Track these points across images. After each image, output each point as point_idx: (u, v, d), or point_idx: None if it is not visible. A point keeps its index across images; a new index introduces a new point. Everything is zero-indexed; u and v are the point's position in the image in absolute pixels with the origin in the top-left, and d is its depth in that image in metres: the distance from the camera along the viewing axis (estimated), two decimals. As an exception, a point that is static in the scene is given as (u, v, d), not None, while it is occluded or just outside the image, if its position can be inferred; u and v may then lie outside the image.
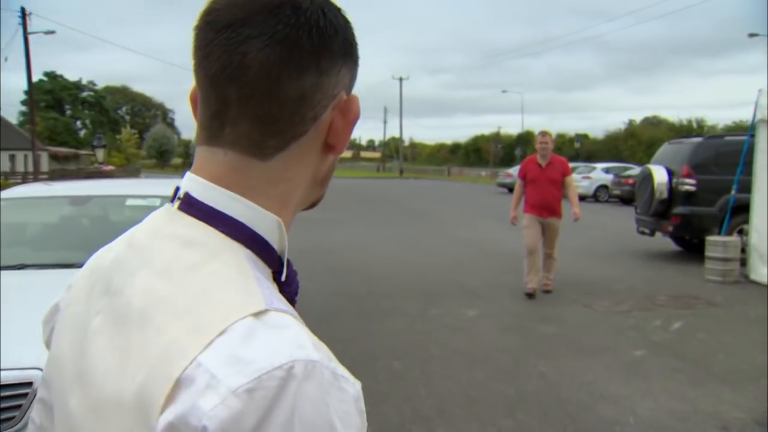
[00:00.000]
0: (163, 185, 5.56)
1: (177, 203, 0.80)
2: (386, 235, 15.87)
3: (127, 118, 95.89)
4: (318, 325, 7.17)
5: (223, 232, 0.76)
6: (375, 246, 13.78)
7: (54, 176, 31.10)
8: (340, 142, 0.82)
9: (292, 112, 0.77)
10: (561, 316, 7.56)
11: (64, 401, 0.80)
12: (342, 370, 0.67)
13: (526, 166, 8.67)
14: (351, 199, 30.17)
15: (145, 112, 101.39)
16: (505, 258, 11.51)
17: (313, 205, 0.91)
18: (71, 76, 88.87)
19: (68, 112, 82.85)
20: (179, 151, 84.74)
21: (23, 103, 67.60)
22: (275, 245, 0.79)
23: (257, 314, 0.67)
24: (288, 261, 0.82)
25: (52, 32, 35.00)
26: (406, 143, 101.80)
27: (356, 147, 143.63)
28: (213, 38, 0.75)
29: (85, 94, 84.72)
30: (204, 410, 0.61)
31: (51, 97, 79.16)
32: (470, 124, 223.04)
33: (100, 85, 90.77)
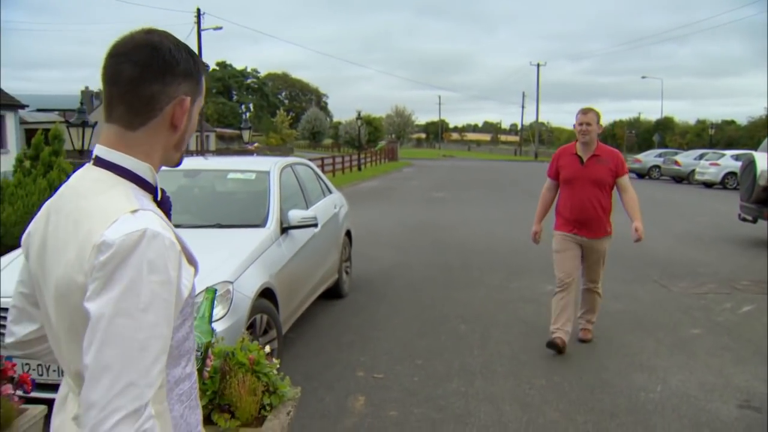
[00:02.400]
0: (260, 163, 6.19)
1: (92, 162, 1.34)
2: (497, 213, 16.00)
3: (286, 102, 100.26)
4: (404, 290, 7.68)
5: (117, 174, 1.31)
6: (483, 223, 13.99)
7: (217, 153, 33.82)
8: (180, 123, 1.35)
9: (145, 104, 1.30)
10: (634, 294, 7.53)
11: (44, 279, 1.35)
12: (173, 242, 1.23)
13: (559, 159, 5.59)
14: (478, 180, 30.28)
15: (302, 96, 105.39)
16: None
17: (176, 164, 1.44)
18: (239, 64, 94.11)
19: (234, 97, 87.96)
20: (330, 133, 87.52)
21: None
22: (150, 181, 1.34)
23: (133, 211, 1.22)
24: (162, 190, 1.39)
25: (220, 28, 37.48)
26: (545, 128, 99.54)
27: (495, 130, 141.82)
28: (107, 62, 1.31)
29: (249, 80, 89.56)
30: (104, 245, 1.18)
31: (221, 84, 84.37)
32: (612, 109, 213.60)
33: (263, 72, 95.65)
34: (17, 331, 1.49)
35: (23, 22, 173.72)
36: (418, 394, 4.62)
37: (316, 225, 5.60)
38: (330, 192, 7.53)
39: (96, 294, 1.16)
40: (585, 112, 5.39)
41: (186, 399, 1.39)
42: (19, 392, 2.72)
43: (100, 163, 1.31)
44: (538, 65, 69.74)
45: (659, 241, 11.42)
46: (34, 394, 3.09)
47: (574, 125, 5.52)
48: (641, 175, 33.11)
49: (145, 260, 1.17)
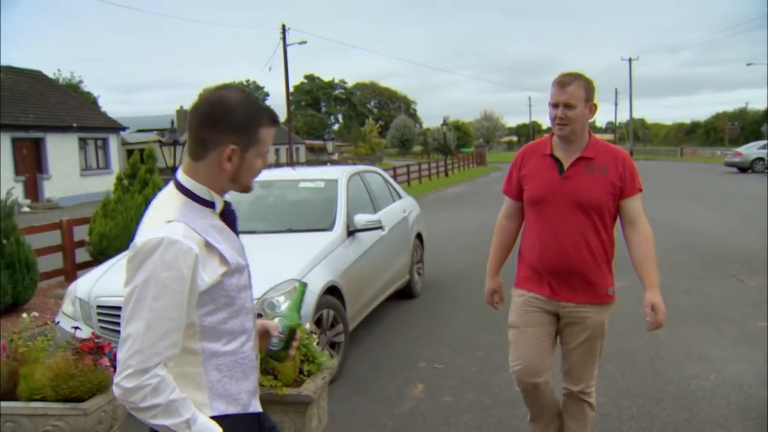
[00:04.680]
0: (330, 172, 6.72)
1: (173, 182, 1.82)
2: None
3: (375, 111, 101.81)
4: (474, 289, 8.05)
5: (181, 192, 1.77)
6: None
7: (307, 164, 35.18)
8: (225, 166, 1.75)
9: (199, 145, 1.76)
10: (706, 288, 7.57)
11: None
12: (190, 247, 1.63)
13: (523, 164, 3.28)
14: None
15: (391, 104, 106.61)
16: (687, 235, 11.30)
17: (242, 191, 1.87)
18: (326, 76, 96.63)
19: (323, 109, 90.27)
20: (420, 140, 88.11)
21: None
22: (207, 198, 1.75)
23: (167, 221, 1.66)
24: (227, 203, 1.83)
25: (304, 42, 38.92)
26: (640, 124, 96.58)
27: (590, 129, 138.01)
28: (190, 115, 1.79)
29: (337, 91, 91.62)
30: (133, 246, 1.66)
31: (309, 96, 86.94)
32: (715, 101, 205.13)
33: (351, 82, 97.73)
34: None
35: (126, 48, 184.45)
36: (473, 382, 4.99)
37: (381, 228, 6.06)
38: (400, 197, 7.98)
39: (126, 282, 1.65)
40: (562, 84, 3.01)
41: (226, 370, 1.76)
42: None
43: (176, 183, 1.79)
44: (630, 60, 67.79)
45: (745, 236, 11.23)
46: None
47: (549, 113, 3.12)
48: (743, 169, 31.78)
49: (161, 260, 1.60)
